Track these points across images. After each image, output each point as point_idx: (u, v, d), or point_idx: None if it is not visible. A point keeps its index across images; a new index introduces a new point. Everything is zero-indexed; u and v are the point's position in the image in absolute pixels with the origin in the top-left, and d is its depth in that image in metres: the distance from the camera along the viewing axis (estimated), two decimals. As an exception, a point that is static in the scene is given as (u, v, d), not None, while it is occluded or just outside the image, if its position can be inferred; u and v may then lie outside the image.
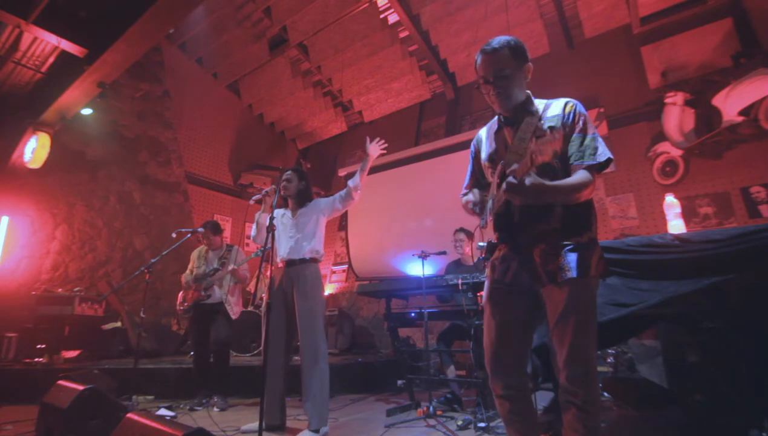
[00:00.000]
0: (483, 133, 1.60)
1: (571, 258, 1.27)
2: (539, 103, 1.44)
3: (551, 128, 1.33)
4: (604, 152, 1.31)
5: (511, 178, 1.20)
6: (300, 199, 2.91)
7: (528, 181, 1.18)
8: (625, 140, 5.16)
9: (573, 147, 1.34)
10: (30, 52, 4.54)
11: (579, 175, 1.30)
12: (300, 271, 2.75)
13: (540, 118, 1.37)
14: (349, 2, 5.59)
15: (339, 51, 6.29)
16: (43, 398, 2.16)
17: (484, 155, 1.55)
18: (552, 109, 1.41)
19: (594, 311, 1.30)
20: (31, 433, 2.39)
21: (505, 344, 1.40)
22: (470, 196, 1.59)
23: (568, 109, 1.37)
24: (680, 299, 1.76)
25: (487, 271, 1.50)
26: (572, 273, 1.25)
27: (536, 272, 1.33)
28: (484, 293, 1.50)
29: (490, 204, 1.42)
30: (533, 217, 1.35)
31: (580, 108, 1.38)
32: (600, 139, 1.34)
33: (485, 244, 1.50)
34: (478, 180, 1.62)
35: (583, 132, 1.34)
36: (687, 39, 4.49)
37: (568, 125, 1.36)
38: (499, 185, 1.29)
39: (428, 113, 7.16)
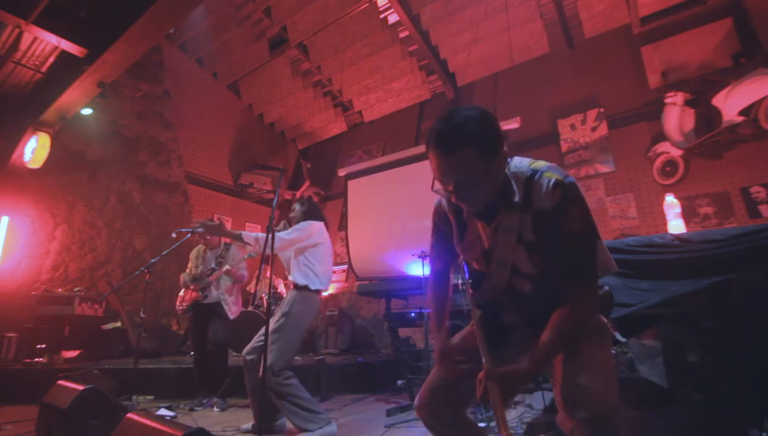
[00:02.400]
0: (446, 207, 1.28)
1: None
2: (519, 173, 1.11)
3: (535, 240, 1.09)
4: (604, 262, 1.07)
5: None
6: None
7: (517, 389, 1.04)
8: (625, 140, 5.17)
9: (564, 256, 1.06)
10: (30, 52, 4.54)
11: (574, 303, 1.05)
12: (292, 293, 2.81)
13: (522, 210, 1.09)
14: (349, 2, 5.59)
15: (339, 51, 6.28)
16: (43, 398, 2.17)
17: (455, 241, 1.28)
18: (535, 195, 1.08)
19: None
20: (31, 433, 2.39)
21: (460, 392, 1.26)
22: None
23: (556, 200, 1.05)
24: (680, 299, 1.77)
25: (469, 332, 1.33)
26: None
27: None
28: (456, 339, 1.33)
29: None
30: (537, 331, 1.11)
31: (572, 193, 1.05)
32: (598, 244, 1.06)
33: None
34: (445, 248, 1.36)
35: (577, 235, 1.05)
36: (687, 39, 4.49)
37: (557, 222, 1.06)
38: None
39: (428, 113, 7.15)
